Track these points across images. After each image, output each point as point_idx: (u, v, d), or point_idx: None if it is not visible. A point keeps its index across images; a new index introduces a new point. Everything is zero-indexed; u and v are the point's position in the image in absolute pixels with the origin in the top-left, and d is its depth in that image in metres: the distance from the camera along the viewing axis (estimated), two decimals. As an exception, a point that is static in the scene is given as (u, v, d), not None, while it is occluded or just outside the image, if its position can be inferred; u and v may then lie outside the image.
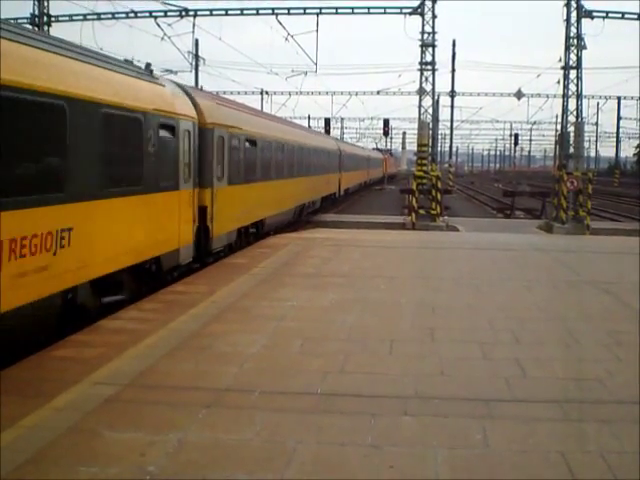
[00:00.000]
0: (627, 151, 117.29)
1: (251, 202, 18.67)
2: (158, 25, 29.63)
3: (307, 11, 30.39)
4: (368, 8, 30.71)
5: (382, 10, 30.45)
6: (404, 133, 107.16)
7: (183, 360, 7.52)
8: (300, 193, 27.39)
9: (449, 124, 56.45)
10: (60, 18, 31.46)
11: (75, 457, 5.06)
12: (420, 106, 31.04)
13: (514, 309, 10.48)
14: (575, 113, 29.30)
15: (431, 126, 31.35)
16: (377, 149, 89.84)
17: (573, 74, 28.85)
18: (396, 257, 16.57)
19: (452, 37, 73.46)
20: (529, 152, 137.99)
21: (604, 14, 28.58)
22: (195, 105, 14.34)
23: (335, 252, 16.55)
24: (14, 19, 29.88)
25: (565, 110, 29.42)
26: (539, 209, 35.78)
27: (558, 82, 30.23)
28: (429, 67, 30.30)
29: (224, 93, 51.12)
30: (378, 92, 63.62)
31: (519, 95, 56.17)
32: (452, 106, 53.00)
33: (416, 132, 33.11)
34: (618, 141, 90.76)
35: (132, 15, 30.27)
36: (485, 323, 9.52)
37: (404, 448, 5.33)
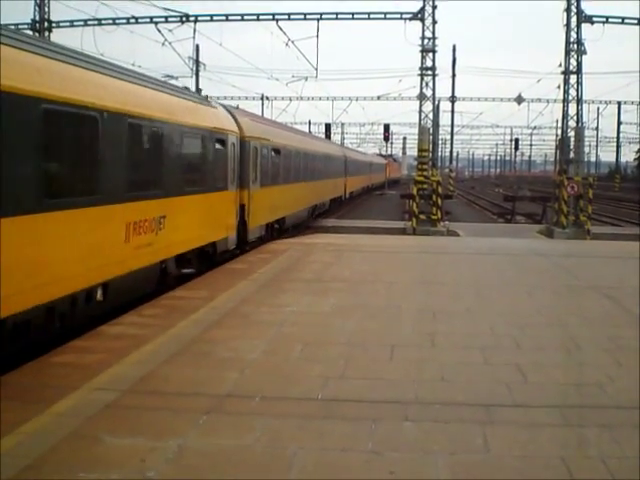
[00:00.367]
0: (628, 156, 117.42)
1: (276, 202, 21.90)
2: (159, 31, 29.65)
3: (307, 16, 30.38)
4: (368, 13, 30.72)
5: (382, 15, 30.44)
6: (404, 138, 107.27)
7: (183, 366, 7.52)
8: (313, 195, 30.76)
9: (449, 129, 56.60)
10: (61, 24, 31.51)
11: (75, 463, 5.05)
12: (420, 111, 31.03)
13: (515, 314, 10.48)
14: (575, 118, 29.29)
15: (431, 131, 31.35)
16: (380, 155, 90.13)
17: (573, 79, 28.84)
18: (397, 262, 16.56)
19: (452, 42, 73.52)
20: (529, 157, 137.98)
21: (604, 19, 28.56)
22: (236, 122, 17.75)
23: (335, 257, 16.55)
24: (15, 25, 29.96)
25: (565, 115, 29.41)
26: (540, 214, 35.74)
27: (558, 87, 30.18)
28: (429, 72, 30.29)
29: (225, 98, 51.14)
30: (378, 97, 63.68)
31: (519, 100, 56.24)
32: (452, 111, 53.13)
33: (416, 137, 33.11)
34: (618, 146, 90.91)
35: (133, 21, 30.28)
36: (486, 328, 9.52)
37: (405, 453, 5.33)
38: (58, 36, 33.64)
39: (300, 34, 30.92)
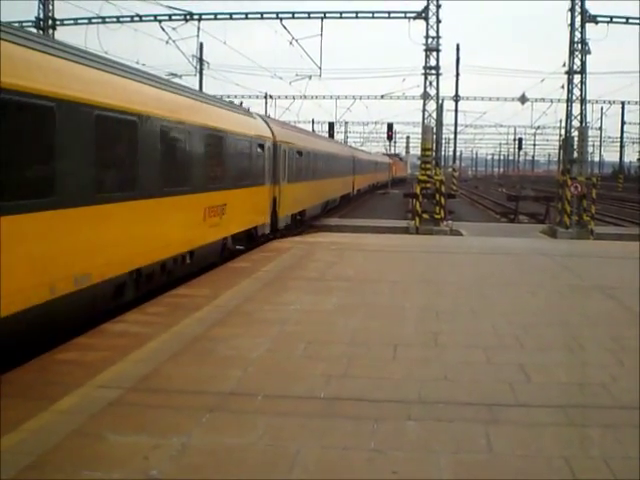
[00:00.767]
0: (631, 156, 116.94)
1: (299, 196, 25.53)
2: (163, 29, 29.65)
3: (311, 15, 30.38)
4: (372, 12, 30.72)
5: (386, 14, 30.44)
6: (408, 137, 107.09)
7: (187, 364, 7.53)
8: (327, 191, 34.42)
9: (453, 128, 56.36)
10: (65, 22, 31.53)
11: (78, 461, 5.06)
12: (424, 110, 31.01)
13: (518, 314, 10.47)
14: (579, 118, 29.27)
15: (435, 130, 31.32)
16: (386, 154, 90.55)
17: (577, 79, 28.79)
18: (400, 261, 16.56)
19: (456, 41, 73.27)
20: (533, 157, 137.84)
21: (608, 19, 28.51)
22: (270, 129, 21.40)
23: (338, 256, 16.56)
24: (19, 22, 29.97)
25: (569, 115, 29.36)
26: (543, 213, 35.73)
27: (562, 87, 30.06)
28: (433, 71, 30.27)
29: (228, 97, 51.17)
30: (382, 96, 63.63)
31: (523, 100, 56.11)
32: (456, 110, 52.92)
33: (420, 136, 33.09)
34: (622, 146, 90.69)
35: (137, 19, 30.27)
36: (489, 328, 9.52)
37: (407, 453, 5.33)
38: (62, 34, 33.71)
39: (304, 33, 30.93)
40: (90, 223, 9.44)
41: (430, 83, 30.46)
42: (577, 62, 28.67)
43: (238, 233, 17.22)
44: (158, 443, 5.36)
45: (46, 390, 6.53)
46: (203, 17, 30.10)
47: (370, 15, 30.69)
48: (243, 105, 25.15)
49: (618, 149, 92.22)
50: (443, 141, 55.74)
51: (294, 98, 57.98)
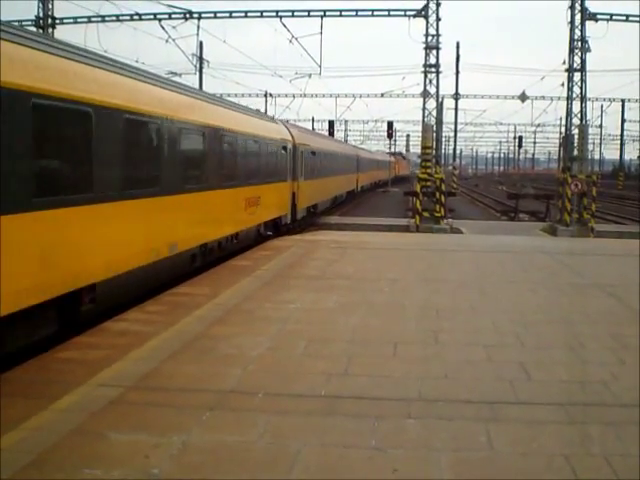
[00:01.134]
0: (631, 154, 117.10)
1: (313, 191, 28.59)
2: (162, 28, 29.65)
3: (311, 13, 30.37)
4: (372, 10, 30.71)
5: (386, 12, 30.43)
6: (408, 135, 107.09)
7: (187, 362, 7.52)
8: (335, 187, 37.95)
9: (453, 126, 56.33)
10: (64, 20, 31.52)
11: (79, 459, 5.06)
12: (424, 108, 31.01)
13: (518, 312, 10.47)
14: (579, 115, 29.27)
15: (435, 128, 31.31)
16: (390, 152, 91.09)
17: (577, 76, 28.82)
18: (400, 259, 16.56)
19: (456, 39, 73.29)
20: (533, 154, 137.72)
21: (608, 16, 28.51)
22: (290, 133, 25.00)
23: (339, 254, 16.55)
24: (18, 21, 29.95)
25: (569, 113, 29.38)
26: (543, 212, 35.72)
27: (562, 85, 30.08)
28: (433, 69, 30.28)
29: (228, 95, 51.19)
30: (382, 94, 63.52)
31: (523, 97, 56.02)
32: (456, 108, 52.84)
33: (420, 134, 33.07)
34: (622, 144, 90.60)
35: (136, 18, 30.25)
36: (489, 326, 9.51)
37: (408, 451, 5.33)
38: (62, 33, 33.66)
39: (304, 31, 30.92)
40: (178, 206, 12.70)
41: (430, 81, 30.47)
42: (577, 60, 28.70)
43: (268, 221, 20.82)
44: (159, 442, 5.36)
45: (46, 389, 6.53)
46: (203, 15, 30.10)
47: (370, 13, 30.69)
48: (243, 104, 25.46)
49: (618, 147, 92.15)
50: (443, 139, 55.79)
51: (294, 96, 57.99)
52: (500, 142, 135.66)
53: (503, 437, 5.62)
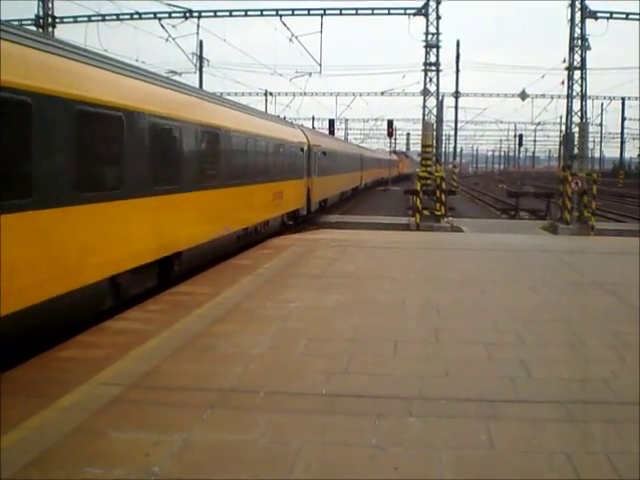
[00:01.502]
0: (632, 152, 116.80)
1: (324, 187, 32.11)
2: (162, 26, 29.67)
3: (311, 12, 30.36)
4: (372, 9, 30.69)
5: (386, 11, 30.41)
6: (408, 134, 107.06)
7: (188, 361, 7.53)
8: (342, 184, 41.71)
9: (453, 125, 56.30)
10: (65, 19, 31.50)
11: (80, 458, 5.06)
12: (424, 107, 30.99)
13: (519, 310, 10.47)
14: (579, 114, 29.26)
15: (435, 127, 31.30)
16: (394, 151, 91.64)
17: (577, 75, 28.81)
18: (400, 258, 16.55)
19: (456, 38, 73.10)
20: (533, 153, 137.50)
21: (608, 15, 28.50)
22: (305, 136, 28.44)
23: (339, 253, 16.56)
24: (18, 21, 29.94)
25: (569, 111, 29.37)
26: (543, 210, 35.71)
27: (562, 83, 30.08)
28: (433, 68, 30.24)
29: (228, 94, 51.15)
30: (382, 93, 63.52)
31: (523, 96, 56.00)
32: (456, 107, 52.81)
33: (420, 133, 33.06)
34: (622, 142, 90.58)
35: (136, 17, 30.27)
36: (490, 324, 9.52)
37: (409, 449, 5.33)
38: (62, 32, 33.65)
39: (304, 30, 30.96)
40: (229, 197, 16.11)
41: (430, 79, 30.45)
42: (577, 58, 28.69)
43: (289, 212, 24.56)
44: (159, 440, 5.36)
45: (47, 387, 6.54)
46: (203, 14, 30.11)
47: (370, 12, 30.67)
48: (242, 104, 26.04)
49: (618, 145, 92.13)
50: (443, 137, 55.76)
51: (294, 95, 58.06)
52: (500, 140, 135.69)
53: (504, 435, 5.62)
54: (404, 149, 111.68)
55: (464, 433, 5.64)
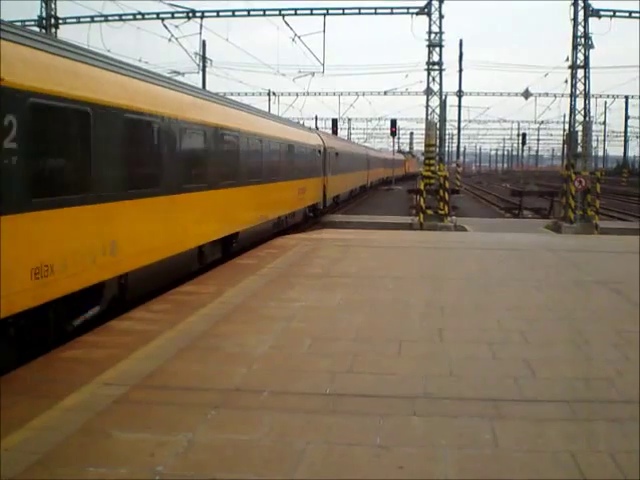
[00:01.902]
0: (635, 150, 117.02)
1: (337, 184, 35.57)
2: (165, 27, 29.63)
3: (314, 12, 30.31)
4: (375, 8, 30.62)
5: (389, 10, 30.34)
6: (411, 133, 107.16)
7: (192, 361, 7.54)
8: (352, 182, 44.66)
9: (457, 124, 56.36)
10: (68, 20, 31.52)
11: (84, 458, 5.07)
12: (427, 106, 30.93)
13: (523, 309, 10.46)
14: (583, 112, 29.21)
15: (438, 126, 31.26)
16: (400, 151, 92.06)
17: (581, 73, 28.73)
18: (404, 257, 16.56)
19: (459, 37, 73.15)
20: (537, 152, 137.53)
21: (611, 13, 28.43)
22: (321, 139, 31.81)
23: (343, 252, 16.56)
24: (21, 21, 29.97)
25: (573, 109, 29.32)
26: (547, 209, 35.68)
27: (566, 81, 30.06)
28: (436, 67, 30.17)
29: (231, 94, 51.19)
30: (385, 92, 63.64)
31: (527, 95, 56.03)
32: (459, 106, 52.91)
33: (423, 132, 33.01)
34: (626, 140, 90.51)
35: (139, 17, 30.22)
36: (494, 323, 9.51)
37: (413, 448, 5.33)
38: (65, 33, 33.66)
39: (307, 29, 30.92)
40: (267, 191, 19.51)
41: (433, 79, 30.38)
42: (580, 57, 28.61)
43: (309, 206, 27.93)
44: (164, 440, 5.37)
45: (52, 388, 6.55)
46: (206, 14, 30.08)
47: (373, 11, 30.59)
48: (245, 103, 26.58)
49: (622, 143, 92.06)
50: (447, 137, 55.70)
51: (297, 95, 58.08)
52: (504, 139, 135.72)
53: (508, 434, 5.62)
54: (407, 148, 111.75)
55: (468, 432, 5.64)
